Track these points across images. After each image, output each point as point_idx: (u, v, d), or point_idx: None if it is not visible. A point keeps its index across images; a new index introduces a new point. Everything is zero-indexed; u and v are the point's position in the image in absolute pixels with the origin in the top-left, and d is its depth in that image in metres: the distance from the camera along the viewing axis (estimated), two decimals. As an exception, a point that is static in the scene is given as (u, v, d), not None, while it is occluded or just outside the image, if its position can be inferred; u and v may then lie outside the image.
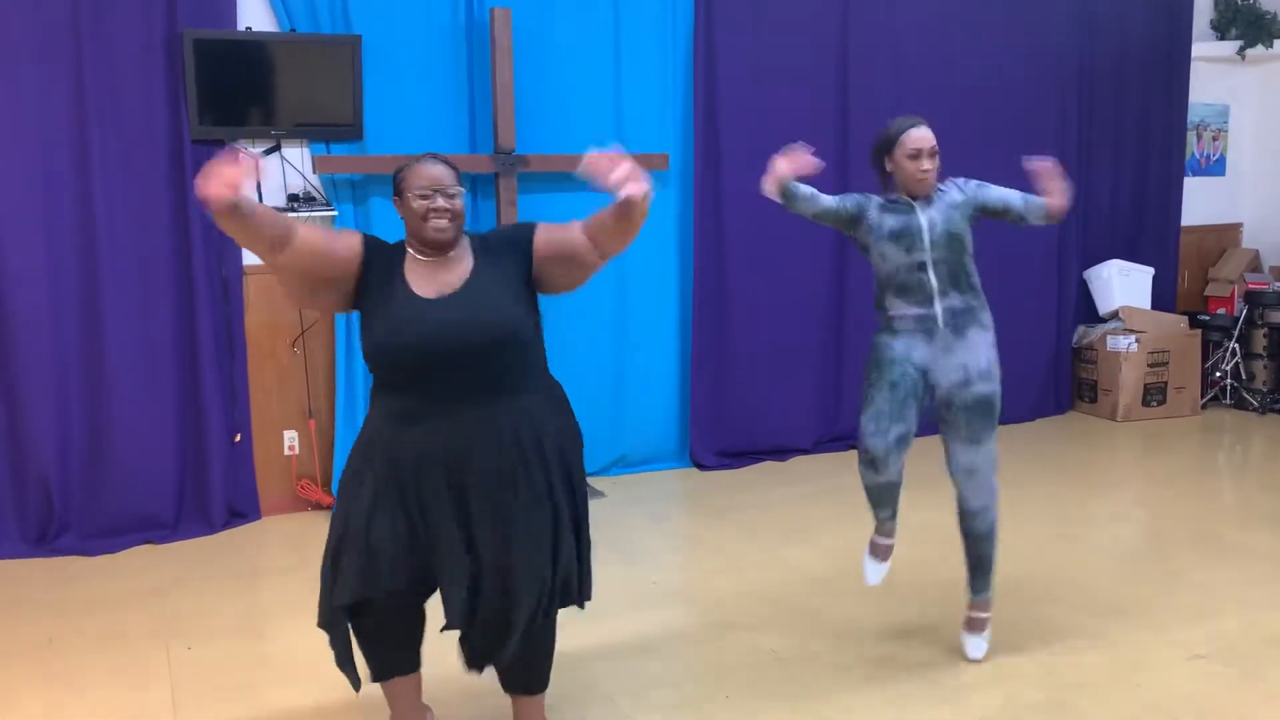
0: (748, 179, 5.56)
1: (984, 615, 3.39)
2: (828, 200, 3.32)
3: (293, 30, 4.68)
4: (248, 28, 4.64)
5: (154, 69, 4.46)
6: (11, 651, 3.53)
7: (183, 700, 3.18)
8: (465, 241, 2.68)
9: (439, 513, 2.54)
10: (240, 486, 4.78)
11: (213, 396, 4.65)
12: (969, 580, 3.41)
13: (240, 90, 4.57)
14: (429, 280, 2.59)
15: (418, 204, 2.58)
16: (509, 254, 2.66)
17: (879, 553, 3.47)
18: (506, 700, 2.87)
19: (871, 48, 5.77)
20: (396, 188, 2.65)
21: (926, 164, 3.24)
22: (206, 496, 4.69)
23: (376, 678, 2.74)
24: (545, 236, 2.67)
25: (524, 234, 2.68)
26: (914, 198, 3.28)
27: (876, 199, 3.34)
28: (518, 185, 4.97)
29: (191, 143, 4.51)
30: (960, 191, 3.32)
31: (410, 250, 2.65)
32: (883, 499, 3.38)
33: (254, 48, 4.59)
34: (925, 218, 3.26)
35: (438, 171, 2.61)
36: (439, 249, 2.61)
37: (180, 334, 4.62)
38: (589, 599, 2.75)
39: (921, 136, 3.24)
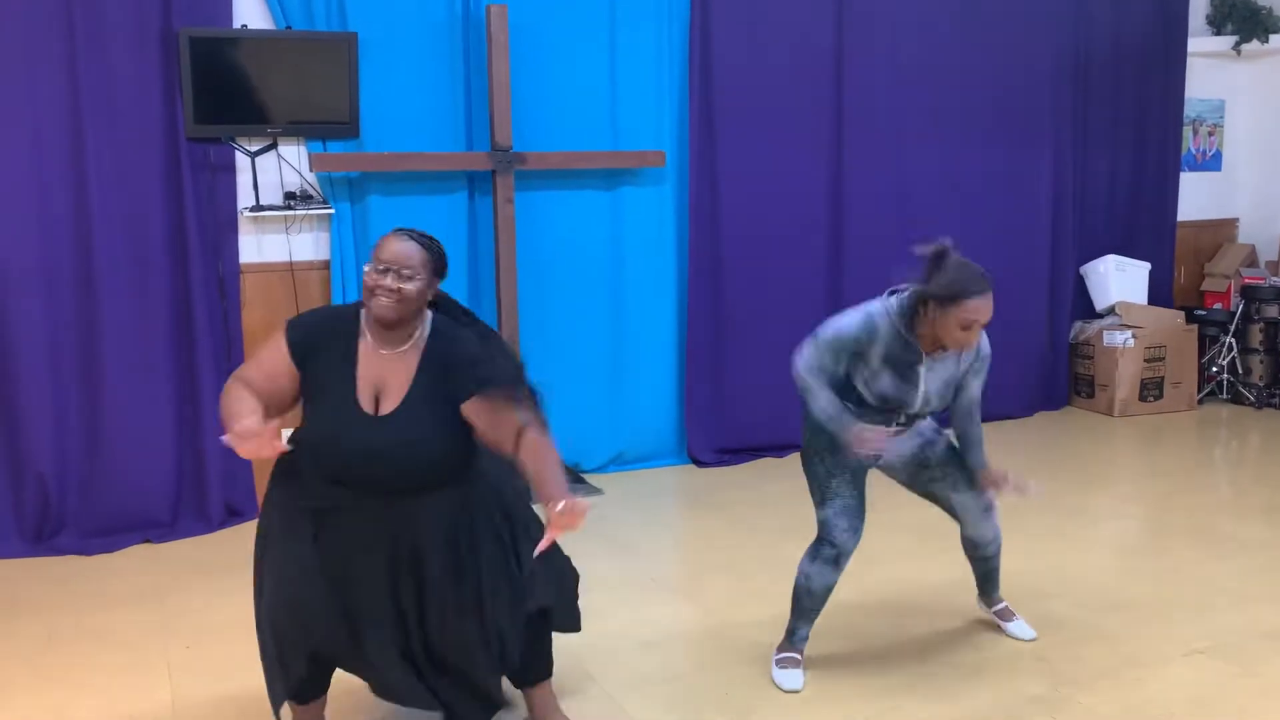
0: (744, 176, 5.60)
1: (1009, 606, 3.53)
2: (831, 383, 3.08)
3: (288, 28, 4.67)
4: (243, 25, 4.63)
5: (149, 66, 4.45)
6: (9, 650, 3.53)
7: (182, 699, 3.17)
8: (425, 330, 2.59)
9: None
10: (238, 484, 4.77)
11: (210, 394, 4.63)
12: (985, 589, 3.54)
13: (236, 88, 4.56)
14: (371, 379, 2.54)
15: (369, 279, 2.51)
16: (454, 382, 2.53)
17: (791, 665, 3.22)
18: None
19: (867, 45, 5.77)
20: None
21: (974, 339, 2.99)
22: (204, 495, 4.68)
23: (295, 698, 2.72)
24: (473, 409, 2.52)
25: (466, 384, 2.52)
26: (929, 352, 3.02)
27: (884, 336, 2.99)
28: (514, 183, 4.97)
29: (187, 140, 4.51)
30: (972, 359, 3.13)
31: (363, 324, 2.58)
32: (817, 607, 3.21)
33: (249, 45, 4.58)
34: (921, 393, 3.05)
35: (401, 249, 2.51)
36: (382, 326, 2.54)
37: (177, 331, 4.61)
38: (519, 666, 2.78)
39: (983, 309, 2.92)
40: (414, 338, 2.58)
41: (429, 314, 2.63)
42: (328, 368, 2.55)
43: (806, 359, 3.06)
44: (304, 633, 2.57)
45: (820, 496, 3.19)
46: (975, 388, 3.18)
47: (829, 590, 3.21)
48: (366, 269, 2.54)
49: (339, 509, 2.55)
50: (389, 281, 2.49)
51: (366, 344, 2.57)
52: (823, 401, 3.03)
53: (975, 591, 3.59)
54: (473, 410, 2.53)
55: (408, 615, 2.59)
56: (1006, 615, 3.52)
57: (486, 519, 2.63)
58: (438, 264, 2.58)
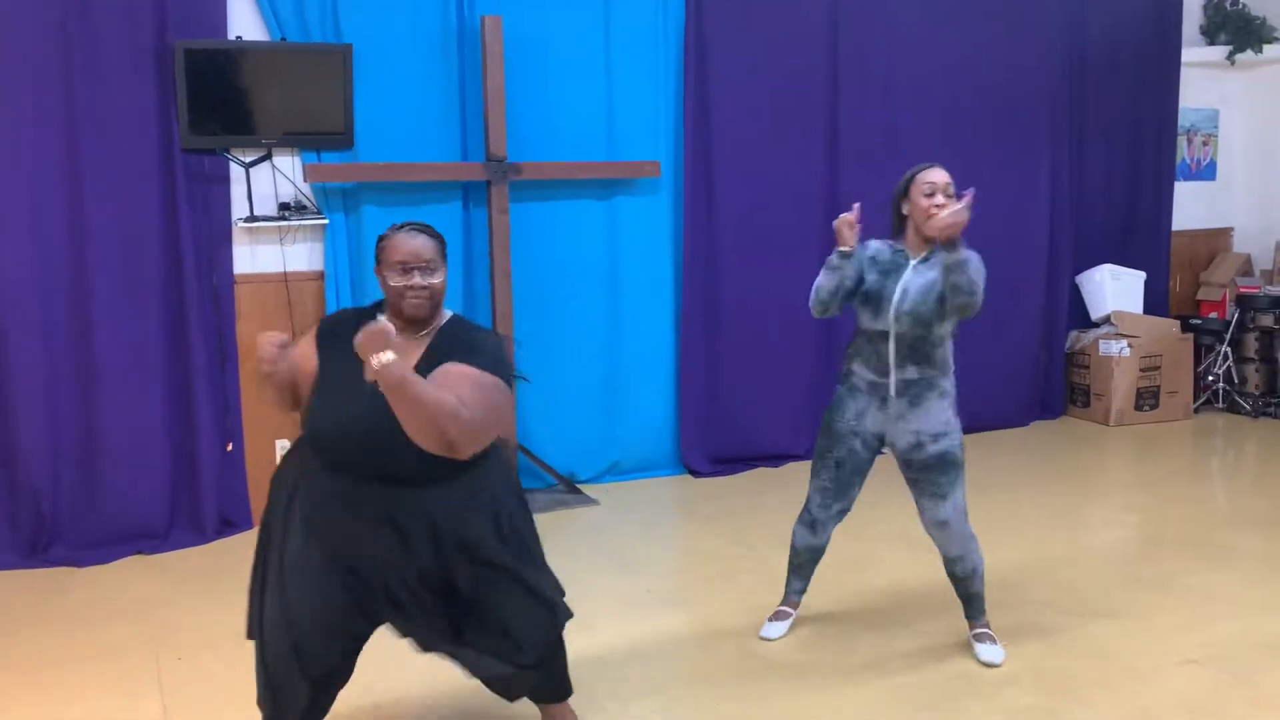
0: (738, 185, 5.61)
1: (988, 630, 3.46)
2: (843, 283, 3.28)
3: (283, 39, 4.68)
4: (238, 37, 4.64)
5: (144, 79, 4.46)
6: (1, 662, 3.51)
7: (174, 712, 3.17)
8: (443, 318, 2.65)
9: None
10: (232, 495, 4.77)
11: (204, 405, 4.64)
12: (965, 609, 3.49)
13: (231, 99, 4.56)
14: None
15: (396, 282, 2.54)
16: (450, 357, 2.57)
17: (781, 618, 3.61)
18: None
19: (862, 57, 5.78)
20: (377, 257, 2.61)
21: (940, 199, 3.20)
22: (198, 506, 4.67)
23: None
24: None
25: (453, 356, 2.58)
26: (918, 246, 3.28)
27: (873, 246, 3.34)
28: (509, 193, 4.97)
29: (182, 151, 4.51)
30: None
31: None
32: (805, 566, 3.58)
33: (244, 57, 4.59)
34: (900, 286, 3.24)
35: (417, 244, 2.56)
36: (416, 324, 2.59)
37: (171, 343, 4.61)
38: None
39: (934, 175, 3.25)
40: (432, 326, 2.62)
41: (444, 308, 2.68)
42: (341, 355, 2.50)
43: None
44: (307, 668, 2.58)
45: (812, 469, 3.50)
46: None
47: (812, 551, 3.55)
48: (390, 274, 2.55)
49: (344, 506, 2.52)
50: (418, 280, 2.54)
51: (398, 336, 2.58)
52: (820, 279, 3.28)
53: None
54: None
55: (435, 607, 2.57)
56: (982, 638, 3.41)
57: (504, 499, 2.64)
58: (444, 249, 2.62)
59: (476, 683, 2.78)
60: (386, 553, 2.53)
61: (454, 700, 3.15)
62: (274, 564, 2.61)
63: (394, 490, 2.52)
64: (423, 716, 3.10)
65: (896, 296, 3.24)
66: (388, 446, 2.44)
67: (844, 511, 3.48)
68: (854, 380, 3.37)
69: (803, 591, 3.63)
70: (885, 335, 3.27)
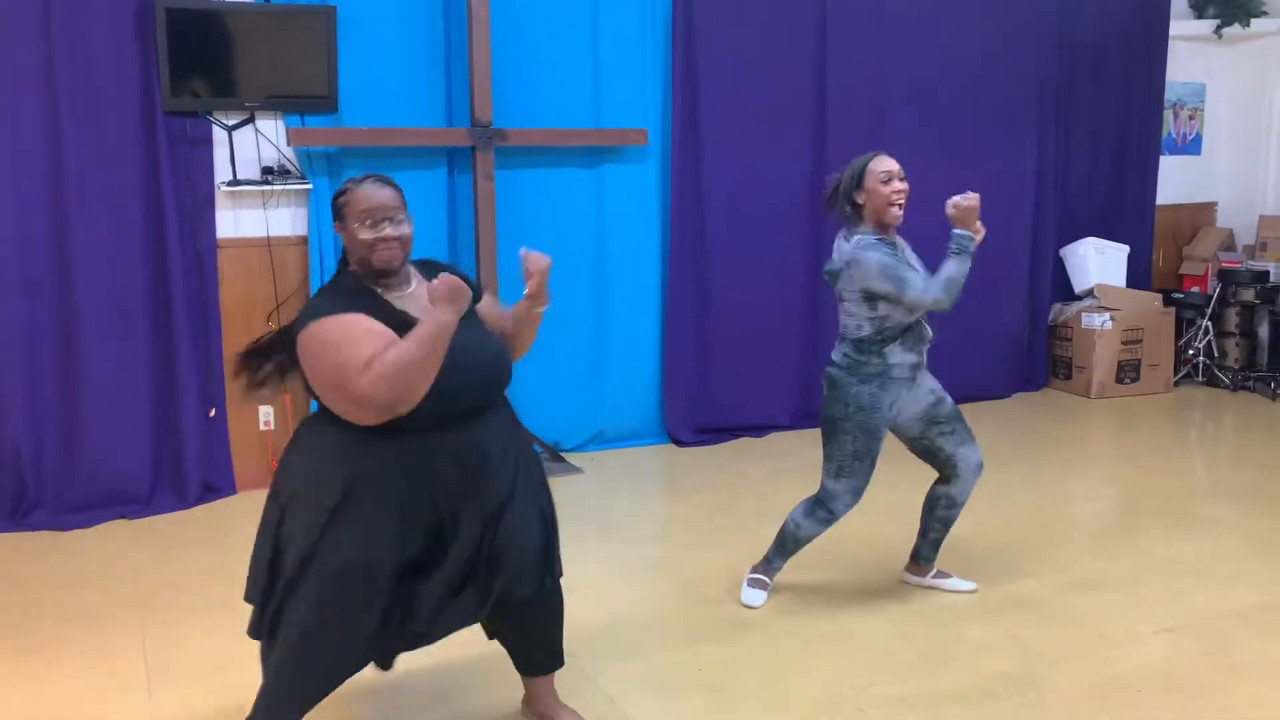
0: (726, 155, 5.59)
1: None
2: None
3: (267, 0, 4.62)
4: (221, -3, 4.58)
5: (125, 39, 4.40)
6: (-17, 626, 3.51)
7: (157, 676, 3.17)
8: (414, 270, 2.61)
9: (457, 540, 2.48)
10: (215, 461, 4.76)
11: (187, 371, 4.62)
12: (928, 554, 3.70)
13: (213, 61, 4.51)
14: (421, 312, 2.45)
15: (366, 235, 2.47)
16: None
17: (761, 586, 3.64)
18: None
19: (852, 24, 5.75)
20: (337, 212, 2.52)
21: (899, 184, 3.30)
22: (181, 471, 4.66)
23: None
24: (483, 306, 2.68)
25: (474, 288, 2.64)
26: (886, 230, 3.34)
27: (877, 242, 3.29)
28: (495, 159, 4.94)
29: (164, 114, 4.46)
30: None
31: (365, 280, 2.53)
32: (798, 549, 3.60)
33: (227, 18, 4.53)
34: (925, 272, 3.35)
35: (385, 195, 2.49)
36: (386, 275, 2.51)
37: (154, 308, 4.58)
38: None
39: (887, 161, 3.32)
40: (410, 273, 2.60)
41: None
42: (384, 322, 2.44)
43: (918, 287, 3.25)
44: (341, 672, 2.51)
45: (835, 469, 3.42)
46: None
47: (811, 541, 3.58)
48: (357, 227, 2.47)
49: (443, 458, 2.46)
50: (390, 231, 2.48)
51: (395, 298, 2.53)
52: (950, 272, 3.26)
53: (909, 562, 3.75)
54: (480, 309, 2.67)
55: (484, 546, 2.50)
56: (943, 575, 3.70)
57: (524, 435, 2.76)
58: (404, 199, 2.58)
59: (452, 670, 2.78)
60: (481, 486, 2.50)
61: (432, 683, 3.17)
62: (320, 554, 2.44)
63: (491, 420, 2.56)
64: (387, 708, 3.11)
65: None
66: (499, 361, 2.59)
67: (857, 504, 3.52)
68: (894, 372, 3.34)
69: (781, 569, 3.67)
70: (920, 318, 3.38)
